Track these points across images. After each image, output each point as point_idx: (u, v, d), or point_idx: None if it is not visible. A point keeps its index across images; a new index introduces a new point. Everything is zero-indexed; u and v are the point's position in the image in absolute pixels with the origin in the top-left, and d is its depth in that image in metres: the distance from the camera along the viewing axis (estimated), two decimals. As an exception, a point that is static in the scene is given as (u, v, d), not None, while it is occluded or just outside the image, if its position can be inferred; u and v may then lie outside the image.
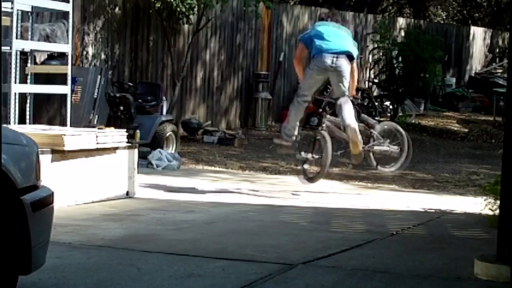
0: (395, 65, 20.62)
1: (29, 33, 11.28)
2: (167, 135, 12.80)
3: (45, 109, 12.22)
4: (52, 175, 7.44)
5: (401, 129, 10.56)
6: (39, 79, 11.53)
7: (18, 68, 10.80)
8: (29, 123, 10.82)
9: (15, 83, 10.65)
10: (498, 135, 19.10)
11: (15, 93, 10.54)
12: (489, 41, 27.94)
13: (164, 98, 13.61)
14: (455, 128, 21.29)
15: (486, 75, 26.16)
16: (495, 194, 7.62)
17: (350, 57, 9.76)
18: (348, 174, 12.90)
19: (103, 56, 14.16)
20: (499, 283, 5.33)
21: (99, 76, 12.22)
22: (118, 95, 12.68)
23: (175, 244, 6.35)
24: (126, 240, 6.46)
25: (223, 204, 8.92)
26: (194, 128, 15.65)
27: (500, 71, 26.28)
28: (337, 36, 9.85)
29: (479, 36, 27.43)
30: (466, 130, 20.80)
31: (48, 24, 12.61)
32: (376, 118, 20.06)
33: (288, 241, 6.71)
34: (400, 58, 20.59)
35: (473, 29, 27.86)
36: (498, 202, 6.41)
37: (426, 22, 26.65)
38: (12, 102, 10.44)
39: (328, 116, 10.30)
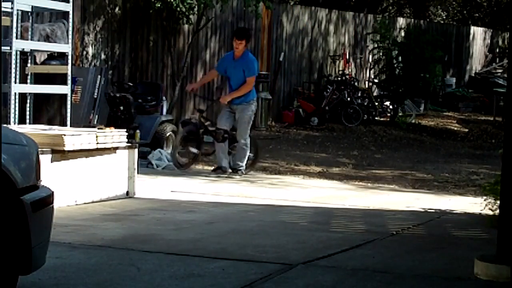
0: (395, 65, 20.64)
1: (29, 33, 11.27)
2: (167, 135, 12.80)
3: (45, 109, 12.21)
4: (52, 175, 7.43)
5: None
6: (39, 79, 11.52)
7: (18, 68, 10.80)
8: (29, 123, 10.82)
9: (15, 83, 10.64)
10: (498, 135, 19.11)
11: (15, 93, 10.54)
12: (489, 41, 27.95)
13: (164, 98, 13.61)
14: (455, 128, 21.30)
15: (486, 75, 26.18)
16: (495, 194, 7.62)
17: None
18: (348, 174, 12.90)
19: (103, 56, 14.16)
20: (499, 283, 5.33)
21: (99, 76, 12.22)
22: (118, 95, 12.68)
23: (175, 244, 6.35)
24: (126, 240, 6.45)
25: (223, 204, 8.92)
26: (194, 128, 15.62)
27: (500, 71, 26.30)
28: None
29: (479, 36, 27.44)
30: (466, 130, 20.81)
31: (48, 24, 12.61)
32: (376, 118, 20.16)
33: (288, 241, 6.70)
34: (400, 58, 20.63)
35: (473, 29, 27.87)
36: (498, 202, 6.42)
37: (426, 22, 26.66)
38: (12, 102, 10.44)
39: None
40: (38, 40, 11.87)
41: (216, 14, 16.31)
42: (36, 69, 11.54)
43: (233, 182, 10.95)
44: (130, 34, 14.79)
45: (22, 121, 10.90)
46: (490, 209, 7.91)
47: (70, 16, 11.18)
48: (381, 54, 21.10)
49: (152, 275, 5.23)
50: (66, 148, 7.96)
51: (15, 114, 10.53)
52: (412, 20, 25.58)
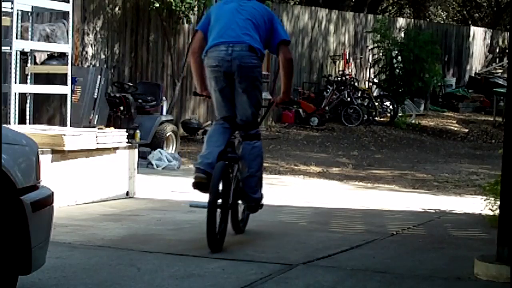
0: (395, 65, 20.65)
1: (29, 33, 11.27)
2: (167, 135, 12.80)
3: (45, 109, 12.22)
4: (52, 175, 7.43)
5: None
6: (39, 79, 11.53)
7: (18, 68, 10.80)
8: (29, 123, 10.82)
9: (15, 83, 10.64)
10: (498, 135, 19.12)
11: (15, 93, 10.54)
12: (489, 41, 27.94)
13: (164, 98, 13.61)
14: (455, 128, 21.30)
15: (486, 75, 26.17)
16: (495, 194, 7.62)
17: None
18: (348, 174, 12.90)
19: (103, 56, 14.16)
20: (499, 283, 5.33)
21: (99, 76, 12.22)
22: (118, 95, 12.68)
23: (175, 244, 6.35)
24: (126, 240, 6.45)
25: (223, 204, 8.90)
26: (194, 128, 15.65)
27: (500, 71, 26.29)
28: None
29: (479, 36, 27.44)
30: (466, 130, 20.81)
31: (48, 24, 12.61)
32: (376, 118, 20.16)
33: (288, 241, 6.70)
34: (399, 58, 20.64)
35: (473, 29, 27.86)
36: (498, 202, 6.41)
37: (426, 22, 26.65)
38: (12, 102, 10.44)
39: None
40: (38, 40, 11.87)
41: (216, 14, 16.29)
42: (36, 69, 11.54)
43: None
44: (130, 34, 14.79)
45: (22, 121, 10.90)
46: (490, 209, 7.91)
47: (70, 16, 11.18)
48: (381, 54, 21.10)
49: (152, 275, 5.23)
50: (66, 148, 7.97)
51: (15, 114, 10.53)
52: (412, 20, 25.58)
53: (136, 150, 9.16)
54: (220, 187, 6.15)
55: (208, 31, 6.42)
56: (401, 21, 24.08)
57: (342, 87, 19.67)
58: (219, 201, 6.11)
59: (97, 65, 13.79)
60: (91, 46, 13.92)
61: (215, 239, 5.97)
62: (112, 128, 9.52)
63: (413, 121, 20.93)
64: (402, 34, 22.31)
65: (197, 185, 6.34)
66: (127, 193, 8.90)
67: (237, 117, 6.45)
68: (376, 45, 21.19)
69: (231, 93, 6.38)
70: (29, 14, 11.26)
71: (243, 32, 6.29)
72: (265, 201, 9.37)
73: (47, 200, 4.43)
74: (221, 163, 6.22)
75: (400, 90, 20.69)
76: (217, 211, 6.01)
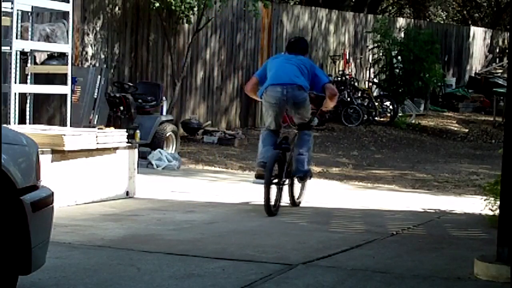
0: (395, 65, 20.64)
1: (29, 33, 11.27)
2: (167, 135, 12.80)
3: (45, 109, 12.22)
4: (52, 175, 7.44)
5: None
6: (39, 79, 11.52)
7: (18, 68, 10.80)
8: (29, 123, 10.82)
9: (15, 83, 10.64)
10: (498, 135, 19.11)
11: (15, 93, 10.54)
12: (489, 41, 27.94)
13: (164, 98, 13.61)
14: (455, 128, 21.30)
15: (486, 75, 26.17)
16: (495, 194, 7.62)
17: None
18: (348, 174, 12.90)
19: (103, 56, 14.15)
20: (499, 283, 5.33)
21: (99, 76, 12.21)
22: (118, 95, 12.69)
23: (175, 244, 6.35)
24: (126, 240, 6.46)
25: (223, 204, 8.92)
26: (194, 128, 15.65)
27: (500, 71, 26.28)
28: None
29: (479, 36, 27.44)
30: (466, 130, 20.81)
31: (48, 24, 12.61)
32: (376, 118, 20.15)
33: (288, 241, 6.71)
34: (399, 58, 20.63)
35: (473, 29, 27.86)
36: (498, 202, 6.42)
37: (426, 22, 26.65)
38: (12, 102, 10.44)
39: None
40: (38, 40, 11.86)
41: (216, 14, 16.30)
42: (36, 69, 11.53)
43: (233, 182, 10.95)
44: (130, 34, 14.79)
45: (22, 121, 10.90)
46: (490, 209, 7.92)
47: (70, 16, 11.18)
48: (381, 54, 21.09)
49: (152, 275, 5.23)
50: (66, 148, 7.97)
51: (15, 114, 10.53)
52: (412, 20, 25.57)
53: (136, 150, 9.16)
54: (276, 171, 8.17)
55: (264, 77, 8.46)
56: (401, 21, 24.07)
57: (342, 87, 19.66)
58: (275, 180, 8.14)
59: (97, 65, 13.79)
60: (91, 46, 13.92)
61: (270, 207, 7.96)
62: (112, 128, 9.52)
63: (413, 121, 20.93)
64: (402, 34, 22.29)
65: (258, 176, 8.14)
66: (127, 193, 8.90)
67: (295, 121, 8.71)
68: (376, 45, 21.18)
69: (282, 114, 8.53)
70: (29, 14, 11.25)
71: (293, 75, 8.28)
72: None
73: (47, 200, 4.43)
74: (276, 152, 8.20)
75: (400, 90, 20.68)
76: (271, 187, 7.98)
